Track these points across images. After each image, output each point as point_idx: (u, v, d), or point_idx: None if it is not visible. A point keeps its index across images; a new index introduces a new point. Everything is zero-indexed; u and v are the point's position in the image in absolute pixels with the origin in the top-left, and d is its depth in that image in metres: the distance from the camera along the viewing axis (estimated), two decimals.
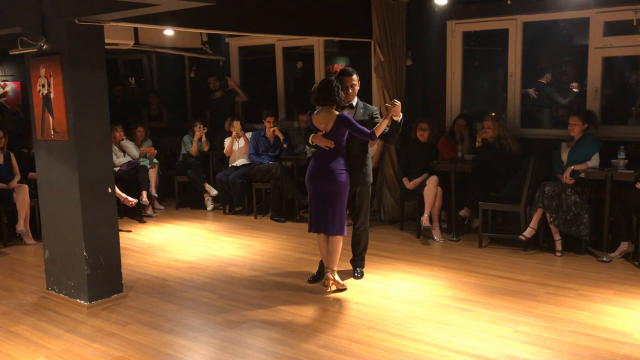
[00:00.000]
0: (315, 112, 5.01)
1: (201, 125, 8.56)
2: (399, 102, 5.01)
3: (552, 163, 6.27)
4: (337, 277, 5.07)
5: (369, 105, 5.34)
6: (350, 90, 5.13)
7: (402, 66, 7.31)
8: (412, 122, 6.95)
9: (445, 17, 7.26)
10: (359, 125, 4.90)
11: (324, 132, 4.91)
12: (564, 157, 6.07)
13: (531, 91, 7.14)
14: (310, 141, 5.03)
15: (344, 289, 5.06)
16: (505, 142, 6.44)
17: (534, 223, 5.99)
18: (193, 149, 8.60)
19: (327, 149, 4.91)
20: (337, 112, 4.91)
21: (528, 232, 5.99)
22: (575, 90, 6.79)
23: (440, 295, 4.96)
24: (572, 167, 5.83)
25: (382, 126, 4.97)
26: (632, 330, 4.17)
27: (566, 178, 5.82)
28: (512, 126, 6.92)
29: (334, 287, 5.07)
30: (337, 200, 4.97)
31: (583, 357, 3.79)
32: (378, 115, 5.21)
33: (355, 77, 5.16)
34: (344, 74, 5.15)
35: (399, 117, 5.02)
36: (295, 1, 6.41)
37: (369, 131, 4.90)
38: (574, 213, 5.77)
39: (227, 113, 9.01)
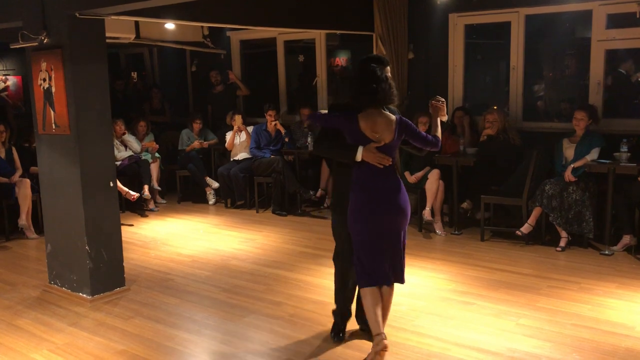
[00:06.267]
0: (362, 114, 3.57)
1: (201, 142, 8.60)
2: (444, 99, 3.90)
3: (553, 158, 6.25)
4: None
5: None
6: None
7: (404, 59, 7.29)
8: (412, 117, 6.93)
9: (447, 10, 7.23)
10: (421, 132, 3.72)
11: (381, 143, 3.56)
12: (567, 153, 6.05)
13: None
14: (358, 157, 3.54)
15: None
16: (510, 134, 6.44)
17: (532, 220, 5.97)
18: (192, 146, 8.58)
19: (381, 167, 3.59)
20: (392, 115, 3.63)
21: (525, 229, 5.97)
22: None
23: (442, 288, 4.96)
24: (573, 166, 5.81)
25: (439, 129, 3.82)
26: (634, 323, 4.16)
27: (568, 176, 5.79)
28: (515, 120, 6.90)
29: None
30: (403, 235, 3.72)
31: (585, 350, 3.79)
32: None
33: (389, 69, 3.74)
34: (383, 63, 3.68)
35: (445, 117, 3.92)
36: None
37: (430, 137, 3.73)
38: (576, 211, 5.76)
39: (228, 107, 9.01)
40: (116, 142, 7.91)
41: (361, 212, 3.58)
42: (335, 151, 3.72)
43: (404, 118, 3.66)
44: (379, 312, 3.58)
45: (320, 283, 5.14)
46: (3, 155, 6.98)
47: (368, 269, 3.62)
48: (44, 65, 4.77)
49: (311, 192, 7.68)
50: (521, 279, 5.09)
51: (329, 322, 4.29)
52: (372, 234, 3.60)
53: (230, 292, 5.01)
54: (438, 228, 6.61)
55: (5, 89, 9.82)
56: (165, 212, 8.17)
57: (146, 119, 8.78)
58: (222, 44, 9.41)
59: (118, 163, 7.71)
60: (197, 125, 8.66)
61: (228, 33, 9.38)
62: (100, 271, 4.86)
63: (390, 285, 3.70)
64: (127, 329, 4.32)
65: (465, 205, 6.65)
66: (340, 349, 3.89)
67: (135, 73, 10.66)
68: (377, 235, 3.60)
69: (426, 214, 6.49)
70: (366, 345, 3.90)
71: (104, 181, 4.85)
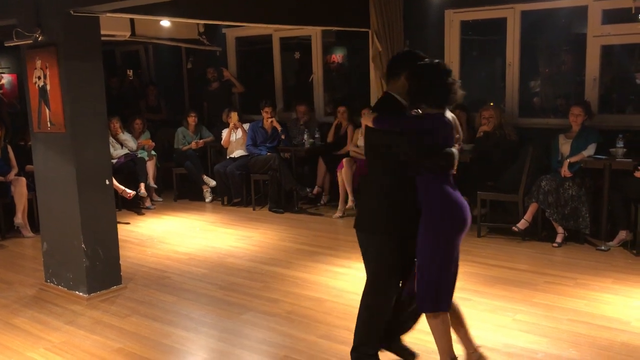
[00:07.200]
0: (445, 115, 3.21)
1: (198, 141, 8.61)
2: None
3: (550, 154, 6.26)
4: None
5: None
6: None
7: None
8: None
9: (443, 6, 7.22)
10: None
11: (459, 146, 3.33)
12: (563, 149, 6.06)
13: None
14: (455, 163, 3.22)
15: None
16: (506, 130, 6.44)
17: (528, 215, 5.98)
18: (188, 147, 8.56)
19: (452, 173, 3.33)
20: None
21: (522, 224, 5.98)
22: None
23: None
24: (569, 160, 5.82)
25: None
26: (629, 318, 4.18)
27: (565, 172, 5.80)
28: (511, 116, 6.91)
29: None
30: None
31: (581, 345, 3.80)
32: None
33: None
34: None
35: None
36: None
37: None
38: (572, 207, 5.77)
39: (224, 104, 8.99)
40: (112, 140, 7.89)
41: (460, 220, 3.20)
42: (437, 155, 3.16)
43: None
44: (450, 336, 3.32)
45: (317, 280, 5.15)
46: None
47: (446, 291, 3.31)
48: (38, 63, 4.75)
49: (308, 190, 7.67)
50: (518, 275, 5.10)
51: (325, 319, 4.30)
52: (456, 251, 3.23)
53: (227, 289, 5.01)
54: None
55: (0, 87, 9.78)
56: (161, 210, 8.16)
57: (142, 116, 8.76)
58: (217, 41, 9.39)
59: (114, 161, 7.69)
60: (192, 120, 8.64)
61: (223, 30, 9.36)
62: (97, 269, 4.85)
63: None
64: (124, 327, 4.31)
65: None
66: (337, 346, 3.89)
67: (131, 70, 10.63)
68: (456, 247, 3.24)
69: None
70: None
71: (99, 179, 4.84)
